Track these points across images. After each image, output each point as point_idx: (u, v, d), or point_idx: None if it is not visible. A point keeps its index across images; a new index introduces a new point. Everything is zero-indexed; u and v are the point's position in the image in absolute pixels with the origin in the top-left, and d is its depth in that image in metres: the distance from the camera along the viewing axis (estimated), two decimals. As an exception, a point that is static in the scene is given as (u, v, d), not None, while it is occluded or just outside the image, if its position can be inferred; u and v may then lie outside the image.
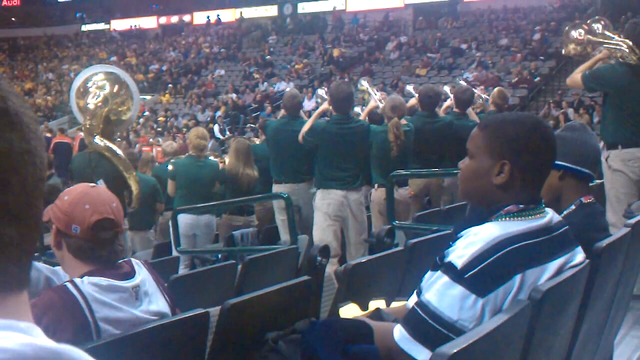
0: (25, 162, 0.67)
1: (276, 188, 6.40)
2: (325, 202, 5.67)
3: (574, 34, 5.92)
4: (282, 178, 6.45)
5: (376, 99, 6.65)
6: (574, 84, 5.37)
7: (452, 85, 9.63)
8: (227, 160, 7.22)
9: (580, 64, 5.49)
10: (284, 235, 6.12)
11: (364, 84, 7.28)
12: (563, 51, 6.17)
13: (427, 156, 6.39)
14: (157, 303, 2.17)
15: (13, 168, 0.66)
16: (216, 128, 21.37)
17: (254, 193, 6.81)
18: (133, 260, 2.22)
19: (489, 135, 1.96)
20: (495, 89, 8.03)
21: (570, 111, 17.42)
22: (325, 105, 6.15)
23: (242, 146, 6.95)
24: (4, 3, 40.89)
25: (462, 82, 7.57)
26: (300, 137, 5.86)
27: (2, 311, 0.64)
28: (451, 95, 7.50)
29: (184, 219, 6.52)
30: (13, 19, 41.26)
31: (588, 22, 6.02)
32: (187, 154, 7.07)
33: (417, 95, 6.95)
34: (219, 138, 20.08)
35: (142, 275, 2.17)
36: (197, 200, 6.53)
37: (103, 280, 2.04)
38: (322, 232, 5.59)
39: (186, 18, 36.32)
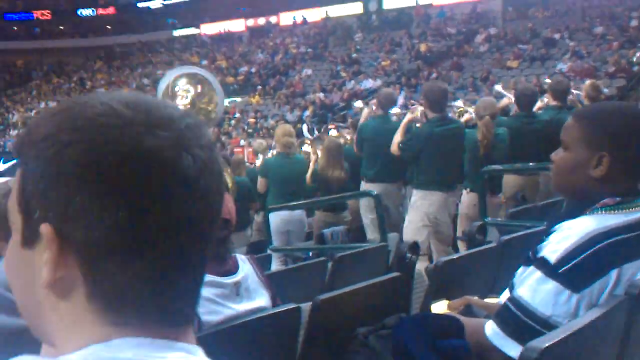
0: (207, 226, 0.72)
1: (367, 187, 6.40)
2: (426, 202, 5.58)
3: None
4: (374, 177, 6.43)
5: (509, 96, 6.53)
6: None
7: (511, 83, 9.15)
8: (319, 154, 7.24)
9: None
10: (372, 234, 6.12)
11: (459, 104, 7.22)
12: None
13: (527, 160, 6.10)
14: (258, 299, 2.23)
15: (196, 234, 0.71)
16: (304, 128, 21.59)
17: (345, 191, 6.84)
18: (238, 256, 2.29)
19: (586, 125, 1.90)
20: (587, 82, 7.69)
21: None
22: (410, 115, 6.05)
23: (334, 146, 6.99)
24: (100, 12, 42.66)
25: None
26: (395, 148, 5.77)
27: (184, 338, 0.73)
28: (508, 94, 7.27)
29: (277, 215, 6.61)
30: (108, 27, 43.00)
31: None
32: (276, 151, 7.14)
33: (510, 94, 6.74)
34: (307, 137, 20.27)
35: (245, 271, 2.23)
36: (289, 197, 6.62)
37: (206, 277, 2.11)
38: (416, 231, 5.51)
39: (273, 19, 36.83)
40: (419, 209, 5.62)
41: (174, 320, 0.72)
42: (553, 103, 6.60)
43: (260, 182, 7.03)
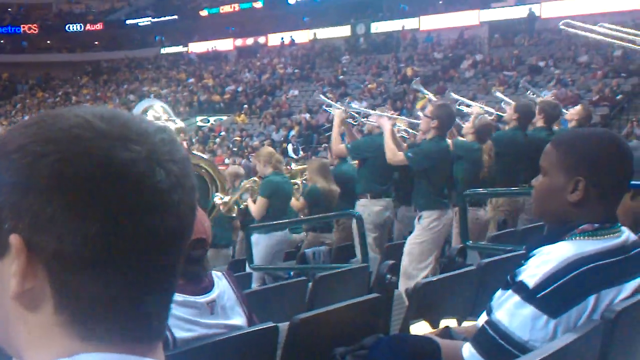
0: (177, 241, 0.71)
1: (363, 202, 6.35)
2: (442, 222, 5.50)
3: None
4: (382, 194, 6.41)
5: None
6: None
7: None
8: (309, 179, 7.21)
9: None
10: (372, 253, 6.04)
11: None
12: None
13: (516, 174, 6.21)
14: (233, 317, 2.21)
15: (166, 249, 0.70)
16: (290, 147, 21.62)
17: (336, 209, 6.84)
18: (214, 273, 2.28)
19: (563, 151, 1.91)
20: (579, 107, 7.67)
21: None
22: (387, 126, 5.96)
23: (324, 164, 7.05)
24: (88, 28, 42.66)
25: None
26: (400, 158, 5.66)
27: (153, 354, 0.72)
28: (509, 101, 7.34)
29: (276, 238, 6.51)
30: (96, 42, 42.99)
31: None
32: (271, 171, 6.86)
33: (511, 108, 6.69)
34: (292, 157, 20.30)
35: (221, 288, 2.21)
36: (282, 216, 6.60)
37: (178, 296, 2.09)
38: (423, 252, 5.42)
39: (261, 40, 37.00)
40: (433, 230, 5.46)
41: (144, 336, 0.71)
42: (542, 125, 6.59)
43: (262, 203, 6.52)
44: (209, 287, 2.20)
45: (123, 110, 0.76)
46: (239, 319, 2.23)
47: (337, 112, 6.67)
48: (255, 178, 7.16)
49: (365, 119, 6.72)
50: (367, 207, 6.29)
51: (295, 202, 6.93)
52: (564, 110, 7.19)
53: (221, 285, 2.24)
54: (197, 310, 2.10)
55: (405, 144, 6.30)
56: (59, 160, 0.66)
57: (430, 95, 7.44)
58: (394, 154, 5.67)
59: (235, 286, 2.30)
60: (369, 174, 6.41)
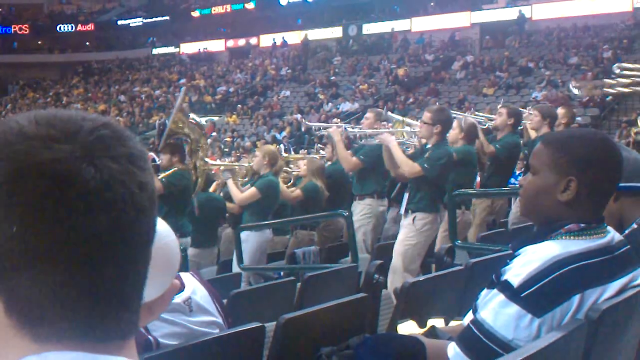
0: (116, 240, 0.69)
1: (370, 202, 6.39)
2: (435, 225, 5.51)
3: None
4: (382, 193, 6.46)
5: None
6: None
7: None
8: (306, 175, 7.23)
9: None
10: (362, 253, 6.06)
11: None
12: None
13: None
14: (211, 314, 2.21)
15: (103, 248, 0.69)
16: (281, 148, 21.64)
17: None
18: (182, 274, 2.27)
19: (555, 150, 1.92)
20: (561, 108, 7.76)
21: (645, 131, 16.84)
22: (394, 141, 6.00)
23: (320, 165, 7.11)
24: (79, 28, 42.51)
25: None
26: (418, 169, 5.50)
27: (115, 352, 0.71)
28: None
29: (265, 236, 6.54)
30: (87, 43, 42.85)
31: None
32: (267, 171, 6.82)
33: (504, 114, 6.70)
34: (284, 157, 20.25)
35: (192, 287, 2.21)
36: (270, 218, 6.60)
37: None
38: (417, 254, 5.42)
39: (253, 41, 36.96)
40: (424, 232, 5.47)
41: (105, 335, 0.71)
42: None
43: (253, 194, 6.56)
44: (179, 287, 2.19)
45: (71, 111, 0.75)
46: (218, 317, 2.23)
47: (332, 131, 6.57)
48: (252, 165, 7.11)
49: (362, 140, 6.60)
50: (374, 207, 6.34)
51: (287, 192, 6.91)
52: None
53: (192, 284, 2.23)
54: (175, 310, 2.10)
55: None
56: None
57: (403, 118, 7.48)
58: (411, 167, 5.50)
59: (207, 286, 2.29)
60: (375, 175, 6.46)
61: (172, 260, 1.47)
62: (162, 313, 2.05)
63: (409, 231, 5.46)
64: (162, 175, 6.08)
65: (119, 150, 0.70)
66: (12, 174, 0.67)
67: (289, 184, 7.76)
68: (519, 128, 6.78)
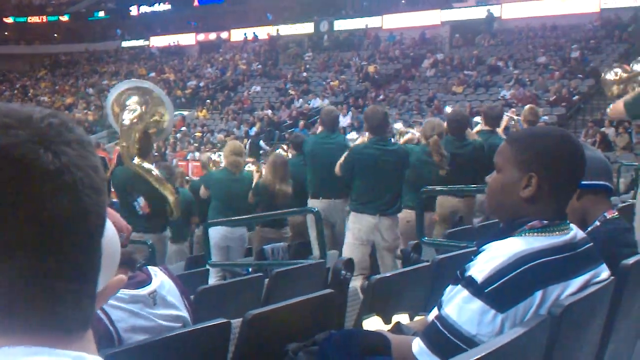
0: (77, 223, 0.69)
1: (312, 203, 6.41)
2: (356, 226, 5.63)
3: (610, 76, 5.70)
4: (318, 193, 6.45)
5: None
6: (616, 113, 5.02)
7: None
8: (263, 172, 7.24)
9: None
10: (317, 251, 6.11)
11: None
12: (608, 94, 5.91)
13: (459, 182, 6.18)
14: (177, 308, 2.20)
15: (65, 231, 0.69)
16: (261, 142, 21.64)
17: (289, 207, 6.82)
18: (150, 268, 2.26)
19: (517, 148, 1.94)
20: (527, 107, 7.93)
21: (611, 131, 17.12)
22: (361, 139, 6.13)
23: (280, 160, 6.96)
24: (47, 20, 41.85)
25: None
26: (337, 169, 5.77)
27: (75, 346, 0.71)
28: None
29: (218, 231, 6.56)
30: (55, 35, 42.22)
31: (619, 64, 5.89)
32: (222, 167, 7.02)
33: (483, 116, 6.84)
34: (266, 150, 20.12)
35: (160, 281, 2.20)
36: (232, 214, 6.55)
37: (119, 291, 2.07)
38: (351, 251, 5.53)
39: (224, 35, 36.75)
40: (352, 231, 5.67)
41: (58, 326, 0.70)
42: (485, 128, 6.80)
43: (202, 190, 7.15)
44: (147, 280, 2.18)
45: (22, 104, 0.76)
46: (184, 312, 2.22)
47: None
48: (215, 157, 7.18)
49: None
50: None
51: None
52: (510, 115, 7.36)
53: (159, 277, 2.22)
54: (139, 302, 2.08)
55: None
56: None
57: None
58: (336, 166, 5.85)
59: (175, 281, 2.28)
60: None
61: (115, 253, 1.46)
62: (127, 304, 2.04)
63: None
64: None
65: (69, 136, 0.71)
66: None
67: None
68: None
